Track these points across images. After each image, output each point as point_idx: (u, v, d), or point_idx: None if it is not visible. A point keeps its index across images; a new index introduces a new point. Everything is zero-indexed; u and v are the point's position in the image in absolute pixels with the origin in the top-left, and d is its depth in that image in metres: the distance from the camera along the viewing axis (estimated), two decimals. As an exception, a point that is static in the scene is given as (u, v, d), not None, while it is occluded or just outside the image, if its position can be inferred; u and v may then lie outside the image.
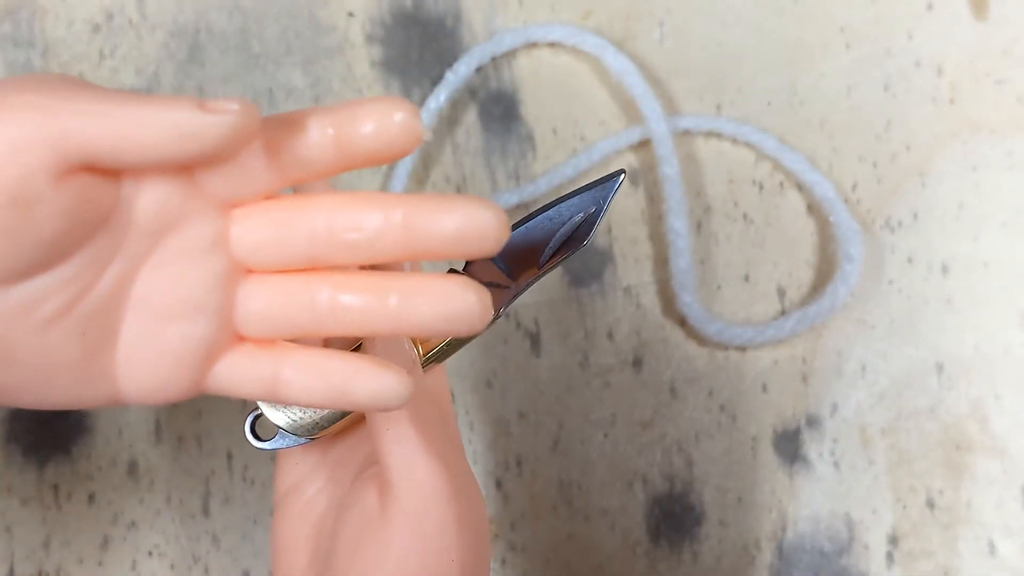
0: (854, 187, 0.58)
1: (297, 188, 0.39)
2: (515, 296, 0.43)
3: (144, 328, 0.36)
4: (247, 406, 0.56)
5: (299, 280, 0.37)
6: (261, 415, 0.44)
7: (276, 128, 0.36)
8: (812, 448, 0.57)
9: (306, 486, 0.45)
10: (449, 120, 0.59)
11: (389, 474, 0.40)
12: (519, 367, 0.57)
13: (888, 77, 0.59)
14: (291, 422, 0.43)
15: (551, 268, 0.43)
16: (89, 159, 0.32)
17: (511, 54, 0.59)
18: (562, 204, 0.42)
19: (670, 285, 0.57)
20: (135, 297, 0.36)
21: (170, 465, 0.56)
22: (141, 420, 0.56)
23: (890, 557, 0.56)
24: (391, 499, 0.40)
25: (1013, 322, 0.57)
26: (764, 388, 0.57)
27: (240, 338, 0.37)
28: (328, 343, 0.44)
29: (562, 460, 0.57)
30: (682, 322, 0.57)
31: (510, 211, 0.58)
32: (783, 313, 0.58)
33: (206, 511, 0.56)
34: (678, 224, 0.57)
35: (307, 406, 0.39)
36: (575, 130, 0.59)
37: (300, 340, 0.38)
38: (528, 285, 0.43)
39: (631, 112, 0.59)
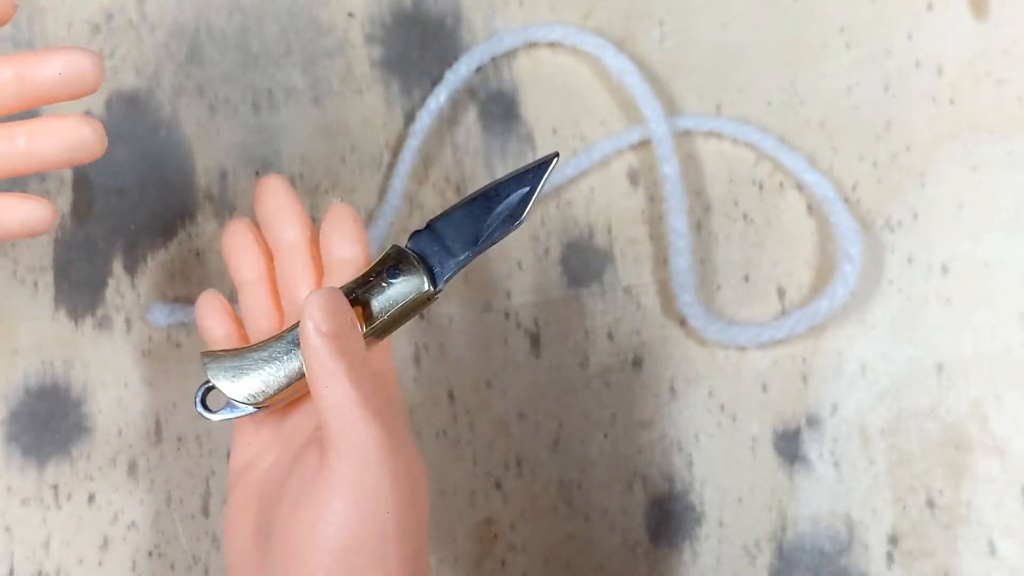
0: (854, 187, 0.58)
1: None
2: (455, 271, 0.46)
3: None
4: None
5: None
6: (212, 388, 0.46)
7: None
8: (812, 448, 0.57)
9: (259, 462, 0.47)
10: (449, 120, 0.59)
11: (328, 430, 0.42)
12: (519, 367, 0.57)
13: (888, 77, 0.59)
14: (239, 391, 0.46)
15: (489, 245, 0.46)
16: None
17: (511, 54, 0.59)
18: (499, 185, 0.46)
19: (670, 285, 0.57)
20: None
21: (170, 465, 0.56)
22: (141, 420, 0.56)
23: (890, 557, 0.56)
24: (329, 456, 0.42)
25: (1013, 322, 0.57)
26: (764, 388, 0.57)
27: None
28: (283, 315, 0.49)
29: (562, 460, 0.57)
30: (682, 322, 0.57)
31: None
32: (783, 313, 0.58)
33: (206, 511, 0.56)
34: (678, 224, 0.57)
35: None
36: (575, 130, 0.59)
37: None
38: (466, 261, 0.46)
39: (631, 112, 0.59)
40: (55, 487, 0.56)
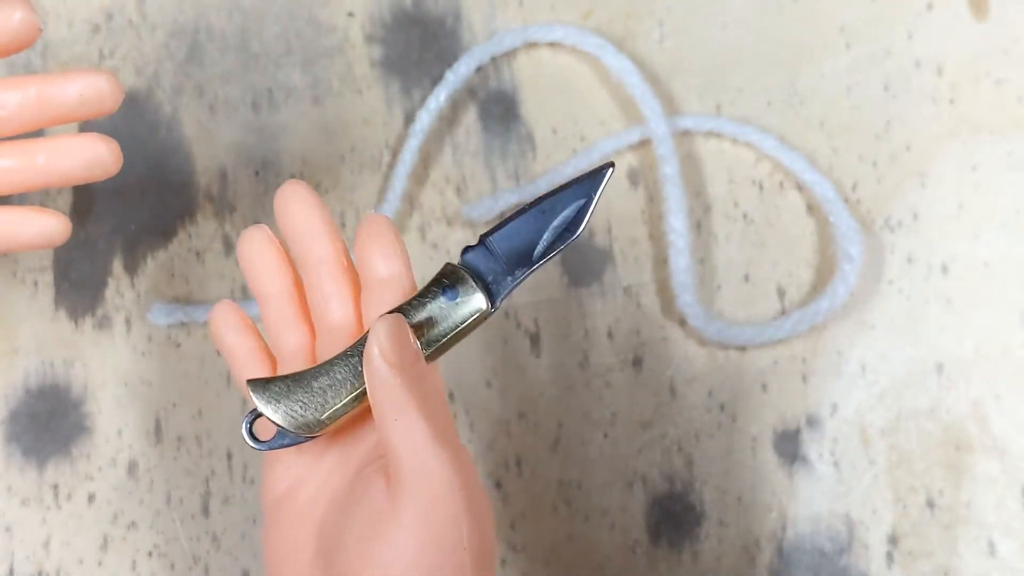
0: (854, 187, 0.58)
1: None
2: (512, 288, 0.44)
3: None
4: (247, 406, 0.56)
5: None
6: (260, 415, 0.44)
7: None
8: (812, 448, 0.57)
9: (301, 489, 0.45)
10: (449, 120, 0.59)
11: (399, 465, 0.40)
12: (519, 367, 0.57)
13: (888, 77, 0.59)
14: (291, 420, 0.43)
15: (546, 261, 0.44)
16: None
17: (511, 54, 0.59)
18: (553, 197, 0.44)
19: (670, 285, 0.57)
20: None
21: (170, 465, 0.56)
22: (141, 420, 0.56)
23: (890, 557, 0.56)
24: (401, 490, 0.40)
25: (1013, 322, 0.57)
26: (764, 388, 0.57)
27: None
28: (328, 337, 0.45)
29: (562, 460, 0.57)
30: (682, 322, 0.57)
31: (511, 210, 0.58)
32: (783, 313, 0.58)
33: (206, 511, 0.56)
34: (678, 224, 0.57)
35: None
36: (575, 130, 0.59)
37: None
38: (523, 277, 0.44)
39: (631, 112, 0.59)
40: (55, 487, 0.56)
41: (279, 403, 0.43)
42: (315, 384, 0.43)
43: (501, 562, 0.56)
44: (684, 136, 0.59)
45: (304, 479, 0.45)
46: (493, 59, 0.59)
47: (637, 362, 0.57)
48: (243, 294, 0.57)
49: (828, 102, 0.59)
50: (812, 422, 0.57)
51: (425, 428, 0.41)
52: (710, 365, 0.57)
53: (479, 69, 0.59)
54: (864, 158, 0.59)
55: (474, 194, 0.58)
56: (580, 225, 0.44)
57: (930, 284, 0.58)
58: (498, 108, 0.59)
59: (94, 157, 0.47)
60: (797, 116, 0.59)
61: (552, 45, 0.59)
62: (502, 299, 0.44)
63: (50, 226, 0.47)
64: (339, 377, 0.43)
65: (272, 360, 0.47)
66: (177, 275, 0.57)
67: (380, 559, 0.40)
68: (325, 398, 0.43)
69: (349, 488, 0.43)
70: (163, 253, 0.58)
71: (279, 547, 0.44)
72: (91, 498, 0.56)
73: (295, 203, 0.46)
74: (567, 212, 0.44)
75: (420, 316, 0.43)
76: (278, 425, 0.43)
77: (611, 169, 0.44)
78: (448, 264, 0.44)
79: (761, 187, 0.59)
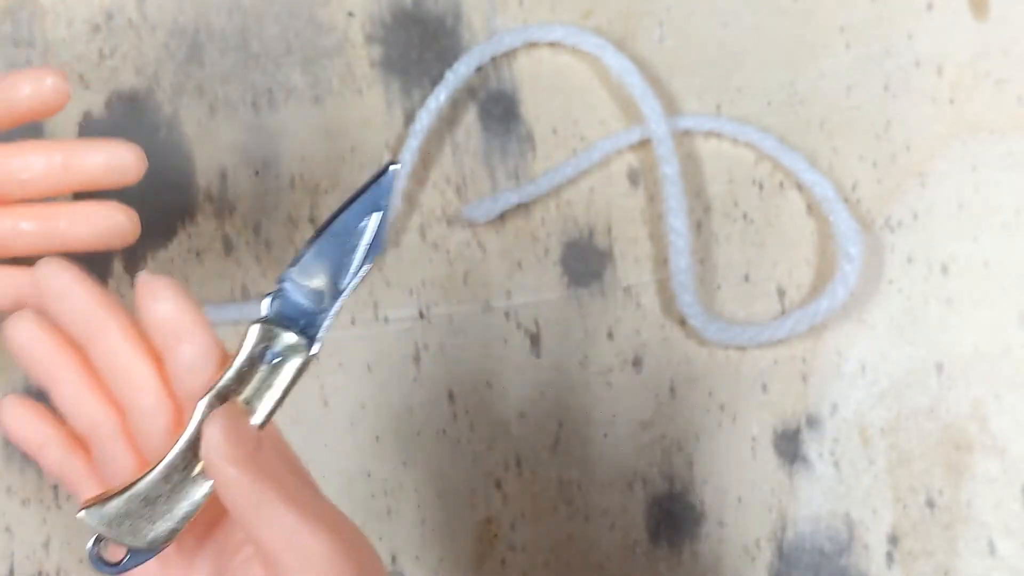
0: (854, 187, 0.58)
1: None
2: (328, 322, 0.41)
3: None
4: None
5: None
6: (103, 538, 0.41)
7: None
8: (812, 448, 0.57)
9: None
10: (449, 120, 0.59)
11: (273, 554, 0.39)
12: (519, 367, 0.57)
13: (888, 77, 0.59)
14: (140, 537, 0.41)
15: (356, 284, 0.41)
16: None
17: (511, 54, 0.59)
18: (342, 215, 0.41)
19: (670, 285, 0.57)
20: None
21: (170, 465, 0.56)
22: (141, 420, 0.56)
23: (890, 557, 0.56)
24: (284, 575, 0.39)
25: (1013, 322, 0.57)
26: (764, 388, 0.57)
27: None
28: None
29: (562, 460, 0.57)
30: (682, 322, 0.57)
31: (510, 211, 0.58)
32: (783, 313, 0.58)
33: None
34: (678, 224, 0.57)
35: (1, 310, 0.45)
36: (575, 130, 0.59)
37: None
38: (337, 306, 0.41)
39: (631, 112, 0.59)
40: (55, 487, 0.56)
41: (122, 523, 0.40)
42: (154, 493, 0.40)
43: (501, 562, 0.56)
44: (684, 136, 0.59)
45: None
46: (493, 59, 0.59)
47: (637, 362, 0.57)
48: (243, 295, 0.57)
49: (828, 102, 0.59)
50: (812, 422, 0.57)
51: (289, 512, 0.39)
52: (710, 365, 0.57)
53: (479, 69, 0.59)
54: (864, 158, 0.59)
55: (474, 194, 0.58)
56: (381, 239, 0.41)
57: (930, 284, 0.58)
58: (498, 108, 0.59)
59: (113, 226, 0.48)
60: (797, 116, 0.59)
61: (552, 45, 0.59)
62: (322, 338, 0.41)
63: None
64: (177, 479, 0.40)
65: (83, 444, 0.44)
66: (177, 275, 0.57)
67: None
68: (169, 505, 0.40)
69: None
70: (163, 253, 0.58)
71: None
72: (91, 498, 0.56)
73: (59, 282, 0.42)
74: (362, 228, 0.41)
75: (243, 387, 0.41)
76: (127, 545, 0.41)
77: (392, 169, 0.41)
78: (253, 322, 0.41)
79: (761, 187, 0.59)
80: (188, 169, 0.58)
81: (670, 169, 0.57)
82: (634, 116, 0.59)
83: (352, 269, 0.41)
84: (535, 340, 0.57)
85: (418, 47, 0.59)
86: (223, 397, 0.40)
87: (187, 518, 0.41)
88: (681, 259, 0.57)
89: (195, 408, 0.40)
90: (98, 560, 0.41)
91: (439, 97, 0.58)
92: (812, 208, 0.58)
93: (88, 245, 0.48)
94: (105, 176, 0.47)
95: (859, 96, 0.59)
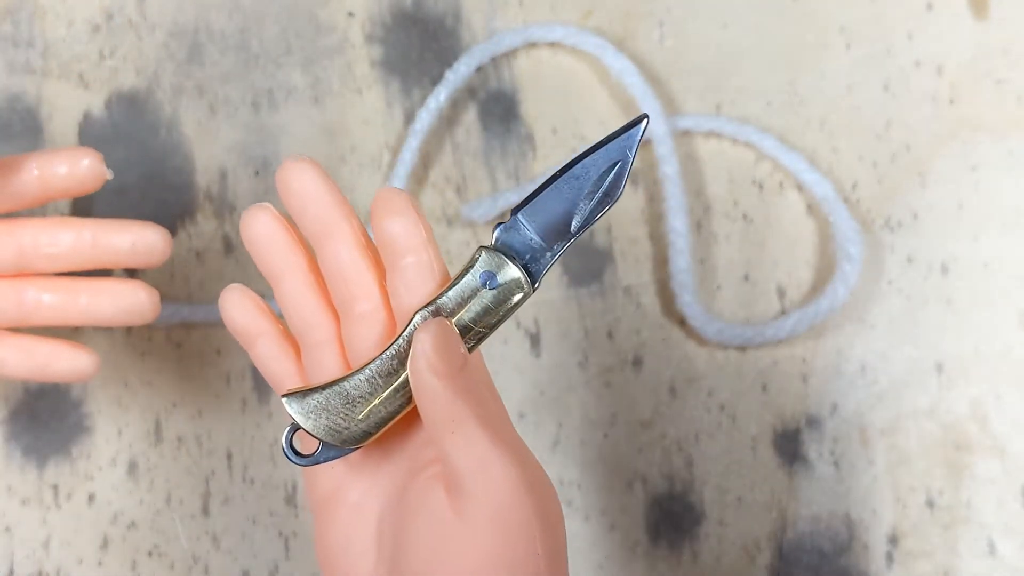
0: (854, 187, 0.58)
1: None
2: (552, 263, 0.41)
3: None
4: (247, 406, 0.56)
5: (10, 282, 0.49)
6: (299, 428, 0.41)
7: None
8: (812, 448, 0.57)
9: (348, 489, 0.43)
10: (449, 120, 0.59)
11: (460, 475, 0.39)
12: (519, 367, 0.57)
13: (888, 77, 0.59)
14: (335, 434, 0.41)
15: (585, 229, 0.41)
16: None
17: (511, 54, 0.59)
18: (586, 159, 0.40)
19: (670, 285, 0.57)
20: None
21: (170, 465, 0.56)
22: (141, 420, 0.56)
23: (890, 557, 0.56)
24: (466, 501, 0.39)
25: (1013, 322, 0.57)
26: (764, 388, 0.57)
27: None
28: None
29: (562, 460, 0.57)
30: (682, 322, 0.57)
31: (511, 209, 0.58)
32: (783, 313, 0.58)
33: (206, 511, 0.56)
34: (678, 224, 0.57)
35: (16, 379, 0.50)
36: (575, 130, 0.59)
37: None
38: (563, 251, 0.41)
39: (631, 112, 0.59)
40: (55, 487, 0.56)
41: (319, 416, 0.40)
42: (356, 394, 0.40)
43: (501, 562, 0.56)
44: (684, 136, 0.59)
45: (351, 480, 0.43)
46: (493, 59, 0.59)
47: (637, 362, 0.57)
48: (243, 294, 0.57)
49: (828, 102, 0.59)
50: (812, 422, 0.57)
51: (485, 436, 0.39)
52: (710, 365, 0.57)
53: (479, 69, 0.59)
54: (864, 158, 0.59)
55: (474, 194, 0.58)
56: (619, 188, 0.40)
57: (930, 284, 0.58)
58: (498, 108, 0.59)
59: (134, 305, 0.49)
60: (797, 116, 0.59)
61: (552, 45, 0.59)
62: (542, 277, 0.41)
63: (82, 361, 0.49)
64: (381, 384, 0.40)
65: (295, 346, 0.44)
66: (177, 275, 0.57)
67: (451, 569, 0.39)
68: (368, 408, 0.41)
69: (403, 494, 0.41)
70: (163, 253, 0.58)
71: (334, 547, 0.42)
72: (91, 498, 0.56)
73: (302, 181, 0.41)
74: (602, 175, 0.40)
75: (459, 309, 0.41)
76: (321, 439, 0.41)
77: (646, 121, 0.40)
78: (482, 247, 0.41)
79: (761, 187, 0.59)
80: (188, 169, 0.58)
81: (670, 169, 0.57)
82: (634, 116, 0.59)
83: (585, 214, 0.41)
84: (535, 340, 0.57)
85: (418, 47, 0.59)
86: (438, 315, 0.41)
87: (382, 424, 0.41)
88: (681, 259, 0.57)
89: (410, 320, 0.40)
90: (291, 449, 0.42)
91: (439, 97, 0.58)
92: (812, 208, 0.58)
93: (108, 322, 0.49)
94: (131, 257, 0.49)
95: (859, 96, 0.59)
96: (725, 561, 0.56)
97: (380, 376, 0.40)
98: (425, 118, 0.58)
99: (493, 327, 0.41)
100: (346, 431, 0.41)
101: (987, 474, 0.56)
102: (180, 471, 0.56)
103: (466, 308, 0.41)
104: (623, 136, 0.40)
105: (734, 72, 0.59)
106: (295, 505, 0.56)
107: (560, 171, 0.41)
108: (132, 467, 0.56)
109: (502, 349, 0.57)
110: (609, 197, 0.40)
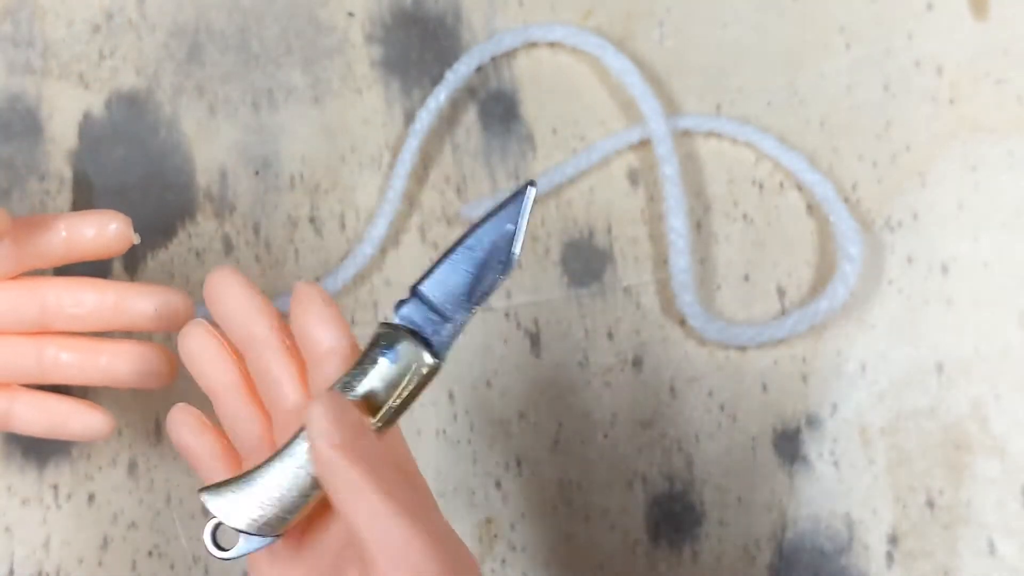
0: (854, 187, 0.58)
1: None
2: (455, 335, 0.42)
3: None
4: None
5: (31, 339, 0.49)
6: (220, 524, 0.42)
7: (21, 228, 0.47)
8: (812, 448, 0.57)
9: None
10: (449, 120, 0.59)
11: (366, 548, 0.39)
12: (519, 367, 0.57)
13: (888, 77, 0.59)
14: (252, 523, 0.41)
15: (484, 299, 0.42)
16: None
17: (511, 54, 0.59)
18: (479, 230, 0.42)
19: (670, 285, 0.57)
20: None
21: (170, 465, 0.56)
22: (141, 420, 0.56)
23: (890, 557, 0.56)
24: (374, 572, 0.38)
25: (1013, 322, 0.57)
26: (764, 388, 0.57)
27: None
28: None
29: (562, 460, 0.57)
30: (682, 322, 0.57)
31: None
32: (783, 313, 0.58)
33: (206, 511, 0.56)
34: (678, 224, 0.57)
35: (31, 434, 0.49)
36: (575, 130, 0.59)
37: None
38: (465, 321, 0.42)
39: (631, 112, 0.59)
40: (55, 487, 0.56)
41: (235, 507, 0.41)
42: (269, 481, 0.41)
43: (501, 562, 0.56)
44: (684, 136, 0.59)
45: (282, 572, 0.43)
46: (493, 59, 0.59)
47: (637, 362, 0.57)
48: (243, 294, 0.57)
49: (828, 102, 0.59)
50: (812, 422, 0.57)
51: (386, 504, 0.38)
52: (710, 365, 0.57)
53: (479, 69, 0.59)
54: (864, 158, 0.59)
55: (474, 194, 0.58)
56: (513, 256, 0.41)
57: (930, 284, 0.58)
58: (498, 108, 0.59)
59: (152, 369, 0.49)
60: (797, 116, 0.59)
61: (552, 45, 0.59)
62: (447, 349, 0.42)
63: (96, 420, 0.50)
64: (291, 468, 0.41)
65: (235, 457, 0.46)
66: (177, 275, 0.57)
67: None
68: (281, 493, 0.41)
69: None
70: (163, 253, 0.58)
71: None
72: (91, 498, 0.56)
73: (227, 289, 0.45)
74: (495, 243, 0.42)
75: (364, 385, 0.41)
76: (240, 531, 0.41)
77: (531, 189, 0.41)
78: (383, 324, 0.42)
79: (761, 187, 0.59)
80: (188, 169, 0.58)
81: (670, 169, 0.57)
82: (634, 116, 0.59)
83: (482, 284, 0.42)
84: (535, 340, 0.57)
85: (418, 47, 0.59)
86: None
87: (297, 509, 0.42)
88: (681, 259, 0.57)
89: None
90: (214, 544, 0.43)
91: (439, 97, 0.58)
92: (812, 208, 0.58)
93: (124, 383, 0.49)
94: (155, 321, 0.49)
95: (859, 96, 0.59)
96: (725, 561, 0.56)
97: (290, 460, 0.41)
98: (425, 118, 0.58)
99: (406, 401, 0.42)
100: (262, 520, 0.42)
101: (987, 474, 0.56)
102: (180, 471, 0.56)
103: (371, 384, 0.42)
104: (511, 205, 0.42)
105: (734, 72, 0.59)
106: (295, 505, 0.56)
107: (455, 243, 0.42)
108: (132, 467, 0.56)
109: (502, 349, 0.57)
110: (503, 265, 0.42)
